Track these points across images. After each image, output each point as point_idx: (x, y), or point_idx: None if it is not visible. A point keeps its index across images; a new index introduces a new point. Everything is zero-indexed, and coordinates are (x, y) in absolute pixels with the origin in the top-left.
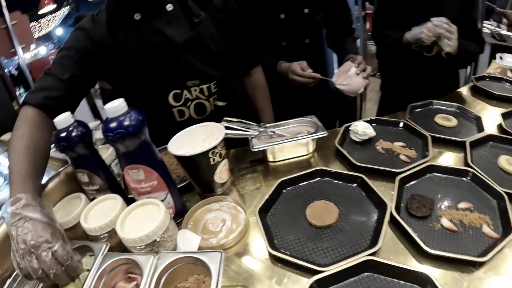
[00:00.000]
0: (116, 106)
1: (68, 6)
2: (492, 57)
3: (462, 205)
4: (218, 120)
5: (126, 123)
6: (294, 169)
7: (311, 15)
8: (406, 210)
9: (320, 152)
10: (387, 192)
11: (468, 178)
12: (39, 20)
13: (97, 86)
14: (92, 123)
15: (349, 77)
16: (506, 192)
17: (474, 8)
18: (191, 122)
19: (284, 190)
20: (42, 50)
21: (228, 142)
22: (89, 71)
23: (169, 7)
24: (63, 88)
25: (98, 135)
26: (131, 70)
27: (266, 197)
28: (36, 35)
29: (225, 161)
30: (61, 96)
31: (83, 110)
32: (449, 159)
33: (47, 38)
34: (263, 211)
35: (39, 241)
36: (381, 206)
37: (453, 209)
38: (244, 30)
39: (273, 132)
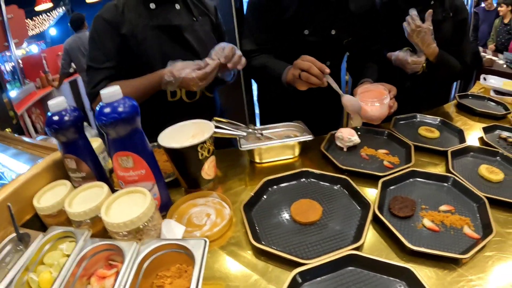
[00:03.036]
0: (112, 92)
1: (64, 7)
2: (477, 79)
3: (443, 207)
4: (206, 108)
5: (120, 109)
6: (280, 171)
7: (338, 38)
8: (389, 210)
9: (306, 157)
10: (370, 195)
11: (449, 183)
12: (33, 18)
13: None
14: None
15: (383, 104)
16: (486, 197)
17: (464, 40)
18: (181, 103)
19: (269, 189)
20: (34, 49)
21: (215, 142)
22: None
23: (177, 6)
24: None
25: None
26: (137, 47)
27: (251, 193)
28: (30, 33)
29: (213, 157)
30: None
31: None
32: (431, 167)
33: (40, 37)
34: (248, 207)
35: None
36: (364, 206)
37: (435, 211)
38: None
39: (261, 134)
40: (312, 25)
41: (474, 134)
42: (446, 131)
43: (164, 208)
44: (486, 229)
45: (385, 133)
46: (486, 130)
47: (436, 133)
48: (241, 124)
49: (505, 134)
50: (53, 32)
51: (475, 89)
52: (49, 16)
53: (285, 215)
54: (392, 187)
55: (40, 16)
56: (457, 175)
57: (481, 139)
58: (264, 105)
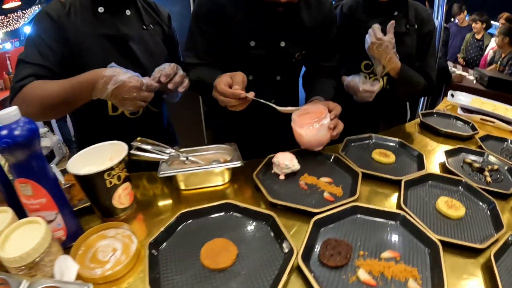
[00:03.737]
0: (8, 113)
1: (40, 5)
2: (446, 95)
3: (386, 254)
4: (150, 123)
5: (16, 132)
6: (207, 199)
7: (287, 50)
8: (318, 257)
9: (239, 183)
10: (303, 235)
11: (398, 222)
12: (8, 15)
13: None
14: (40, 130)
15: (320, 126)
16: (440, 240)
17: (429, 54)
18: (122, 118)
19: (184, 223)
20: (8, 46)
21: (142, 164)
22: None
23: (128, 12)
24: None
25: (44, 142)
26: (79, 56)
27: (162, 229)
28: (4, 30)
29: (126, 184)
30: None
31: None
32: (381, 200)
33: (14, 34)
34: (156, 245)
35: None
36: (288, 251)
37: (375, 258)
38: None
39: (186, 157)
40: (258, 36)
41: (436, 158)
42: (404, 155)
43: (73, 238)
44: (436, 282)
45: (332, 157)
46: (449, 154)
47: (391, 158)
48: (166, 146)
49: (470, 158)
50: (27, 30)
51: (441, 106)
52: (24, 13)
53: (195, 257)
54: (328, 227)
55: (15, 13)
56: (408, 211)
57: (442, 164)
58: (211, 117)
